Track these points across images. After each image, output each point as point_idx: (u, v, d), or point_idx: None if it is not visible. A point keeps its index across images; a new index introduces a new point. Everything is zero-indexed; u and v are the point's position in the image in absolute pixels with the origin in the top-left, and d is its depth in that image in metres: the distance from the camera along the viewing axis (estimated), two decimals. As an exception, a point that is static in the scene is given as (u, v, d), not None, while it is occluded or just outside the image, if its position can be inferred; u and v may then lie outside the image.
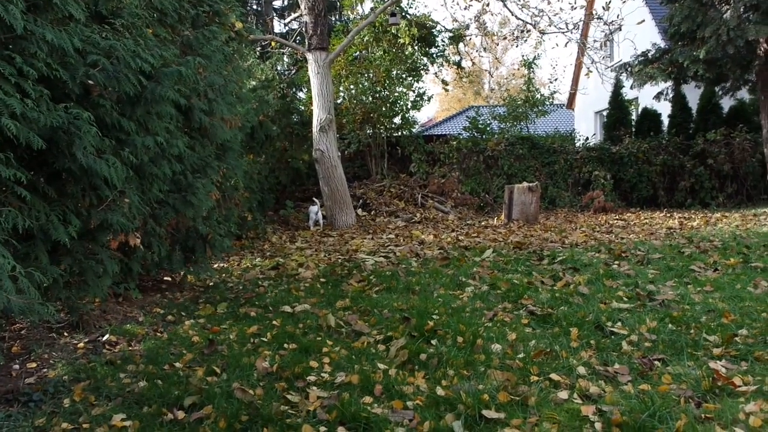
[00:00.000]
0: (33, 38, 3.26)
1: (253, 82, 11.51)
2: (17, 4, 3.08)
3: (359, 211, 11.62)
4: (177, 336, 4.14)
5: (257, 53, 13.24)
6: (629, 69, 12.89)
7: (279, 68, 14.82)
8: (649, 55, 12.57)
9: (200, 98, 5.64)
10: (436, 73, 15.14)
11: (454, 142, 13.91)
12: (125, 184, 4.13)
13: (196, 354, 3.71)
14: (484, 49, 14.45)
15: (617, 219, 11.22)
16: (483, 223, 10.87)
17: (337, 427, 2.63)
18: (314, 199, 10.88)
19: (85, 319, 4.53)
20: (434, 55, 14.69)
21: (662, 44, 13.45)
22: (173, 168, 4.84)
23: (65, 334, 4.25)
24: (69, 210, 3.72)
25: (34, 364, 3.57)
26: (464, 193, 12.99)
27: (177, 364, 3.50)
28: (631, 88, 13.72)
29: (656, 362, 3.36)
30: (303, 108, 13.45)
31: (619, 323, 4.10)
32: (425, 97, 14.46)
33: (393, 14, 12.55)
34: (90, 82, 3.80)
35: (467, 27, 14.64)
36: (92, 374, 3.38)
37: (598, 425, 2.59)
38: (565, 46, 11.89)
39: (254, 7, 20.69)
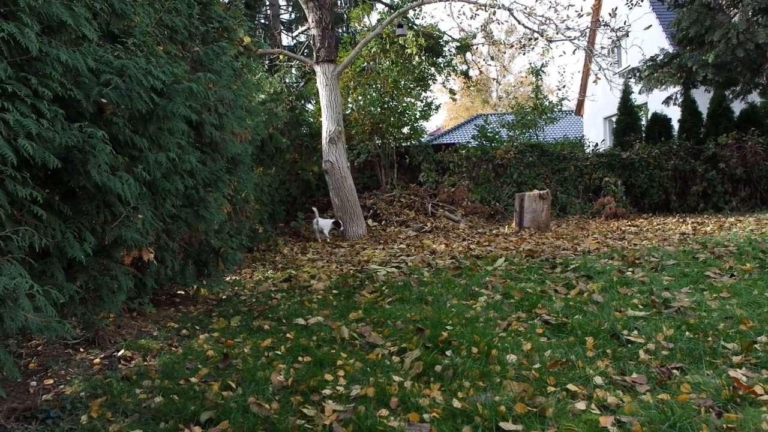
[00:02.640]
0: (48, 59, 3.31)
1: (262, 96, 11.59)
2: (32, 27, 3.14)
3: (370, 221, 11.63)
4: (192, 350, 4.16)
5: (266, 67, 13.36)
6: (638, 74, 12.86)
7: (287, 81, 14.94)
8: (658, 60, 12.54)
9: (211, 113, 5.70)
10: (443, 82, 15.18)
11: (463, 151, 13.91)
12: (138, 200, 4.17)
13: (211, 368, 3.71)
14: (492, 57, 14.45)
15: (629, 225, 11.14)
16: (494, 232, 10.84)
17: (353, 442, 2.62)
18: (313, 209, 10.92)
19: (101, 335, 4.56)
20: (441, 65, 14.73)
21: (670, 49, 13.42)
22: (185, 183, 4.88)
23: (81, 350, 4.28)
24: (84, 227, 3.76)
25: (51, 381, 3.59)
26: (474, 201, 12.97)
27: (192, 379, 3.50)
28: (640, 93, 13.68)
29: (674, 371, 3.32)
30: (312, 120, 13.52)
31: (636, 331, 4.06)
32: (433, 107, 14.49)
33: (400, 25, 12.61)
34: (103, 100, 3.85)
35: (474, 36, 14.69)
36: (109, 390, 3.39)
37: (617, 436, 2.56)
38: (573, 53, 11.87)
39: (262, 21, 20.89)
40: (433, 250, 8.51)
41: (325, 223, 10.64)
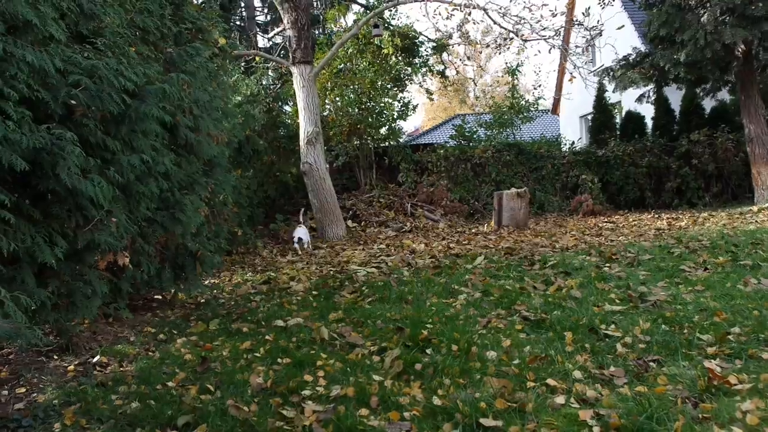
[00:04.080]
0: (13, 60, 3.23)
1: (239, 98, 11.50)
2: (-4, 26, 3.06)
3: (349, 222, 11.60)
4: (169, 355, 4.09)
5: (242, 69, 13.25)
6: (611, 73, 13.05)
7: (264, 83, 14.83)
8: (631, 59, 12.73)
9: (185, 115, 5.61)
10: (420, 83, 15.23)
11: (442, 151, 13.96)
12: (112, 203, 4.09)
13: (188, 372, 3.66)
14: (468, 57, 14.56)
15: (606, 222, 11.29)
16: (473, 230, 10.89)
17: (333, 442, 2.60)
18: (301, 216, 10.19)
19: (75, 342, 4.46)
20: (418, 65, 14.77)
21: (643, 48, 13.63)
22: (160, 186, 4.80)
23: (55, 357, 4.18)
24: (55, 231, 3.67)
25: (23, 389, 3.50)
26: (453, 200, 13.02)
27: (170, 384, 3.45)
28: (614, 92, 13.88)
29: (651, 363, 3.36)
30: (289, 122, 13.45)
31: (613, 326, 4.10)
32: (410, 107, 14.52)
33: (376, 26, 12.63)
34: (73, 102, 3.77)
35: (450, 36, 14.76)
36: (83, 397, 3.32)
37: (596, 429, 2.58)
38: (549, 52, 12.04)
39: (237, 23, 20.72)
40: (412, 250, 8.52)
41: (304, 232, 9.65)
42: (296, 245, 9.30)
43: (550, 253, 7.44)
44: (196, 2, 7.47)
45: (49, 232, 3.61)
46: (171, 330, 4.84)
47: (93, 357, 4.15)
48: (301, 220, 10.02)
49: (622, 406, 2.80)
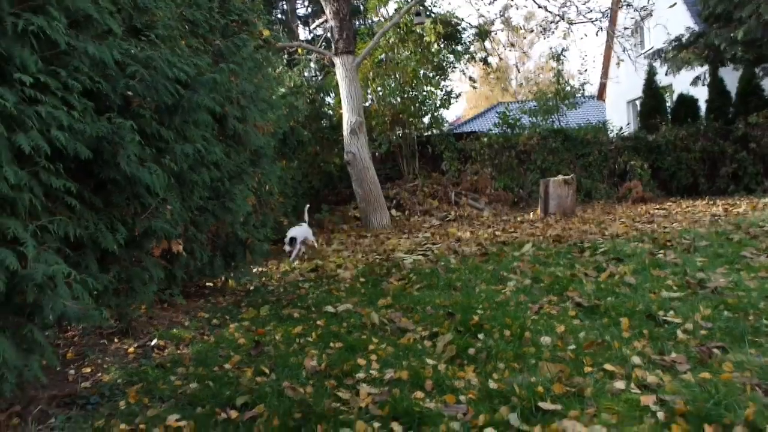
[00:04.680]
0: (75, 53, 3.33)
1: (283, 89, 11.63)
2: (60, 20, 3.16)
3: (393, 211, 11.60)
4: (223, 339, 4.19)
5: (285, 61, 13.38)
6: (663, 55, 12.57)
7: (306, 74, 14.95)
8: (684, 39, 12.23)
9: (233, 105, 5.71)
10: (463, 70, 15.05)
11: (485, 139, 13.77)
12: (167, 191, 4.20)
13: (243, 355, 3.73)
14: (512, 44, 14.28)
15: (657, 209, 10.92)
16: (519, 219, 10.73)
17: (390, 423, 2.60)
18: (305, 214, 8.59)
19: (134, 326, 4.62)
20: (460, 53, 14.59)
21: (696, 27, 13.07)
22: (212, 175, 4.90)
23: (115, 340, 4.34)
24: (115, 218, 3.80)
25: (88, 369, 3.65)
26: (498, 189, 12.85)
27: (226, 366, 3.53)
28: (666, 74, 13.37)
29: (715, 350, 3.23)
30: (331, 112, 13.53)
31: (672, 312, 3.97)
32: (453, 95, 14.37)
33: (418, 13, 12.53)
34: (129, 93, 3.87)
35: (492, 23, 14.53)
36: (144, 377, 3.44)
37: (660, 414, 2.51)
38: (596, 35, 11.67)
39: (279, 16, 20.92)
40: (458, 238, 8.46)
41: (302, 231, 7.99)
42: (287, 247, 7.51)
43: (600, 240, 7.25)
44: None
45: (110, 220, 3.73)
46: (223, 315, 4.95)
47: (151, 340, 4.29)
48: (305, 218, 8.48)
49: (687, 392, 2.70)
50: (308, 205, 8.89)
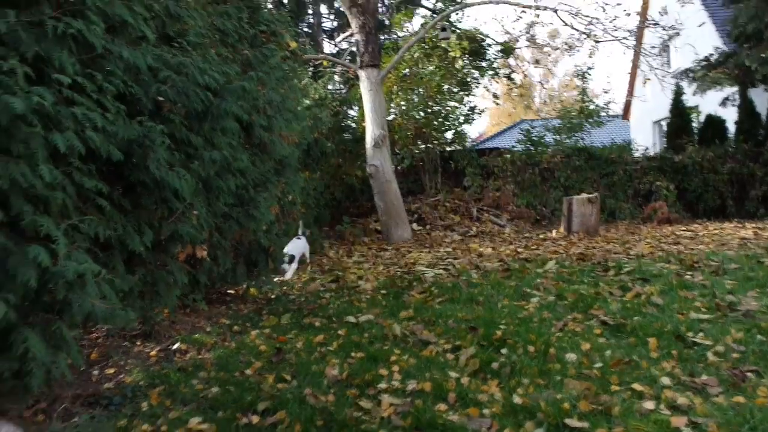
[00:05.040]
0: (111, 57, 3.40)
1: (307, 101, 11.74)
2: (98, 25, 3.23)
3: (414, 225, 11.57)
4: (244, 345, 4.19)
5: (310, 73, 13.53)
6: (691, 75, 12.42)
7: (330, 87, 15.08)
8: (712, 59, 12.07)
9: (260, 114, 5.76)
10: (486, 87, 15.05)
11: (508, 155, 13.70)
12: (193, 197, 4.24)
13: (264, 362, 3.73)
14: (537, 61, 14.25)
15: (683, 230, 10.73)
16: (541, 236, 10.61)
17: (412, 434, 2.56)
18: (300, 228, 7.83)
19: (157, 329, 4.65)
20: (485, 69, 14.59)
21: (725, 48, 12.90)
22: (237, 182, 4.94)
23: (138, 343, 4.37)
24: (142, 222, 3.84)
25: (111, 370, 3.67)
26: (520, 206, 12.74)
27: (247, 371, 3.53)
28: (694, 94, 13.19)
29: (748, 374, 3.14)
30: (355, 125, 13.60)
31: (701, 334, 3.87)
32: (477, 111, 14.35)
33: (443, 29, 12.59)
34: (161, 98, 3.94)
35: (517, 40, 14.53)
36: (166, 380, 3.45)
37: (692, 436, 2.43)
38: (623, 53, 11.57)
39: (305, 29, 21.20)
40: (480, 253, 8.39)
41: (299, 247, 7.44)
42: (284, 265, 6.68)
43: (625, 259, 7.14)
44: (269, 7, 7.68)
45: (138, 222, 3.77)
46: (244, 323, 4.96)
47: (173, 344, 4.31)
48: (299, 232, 7.71)
49: (719, 415, 2.62)
50: (301, 220, 8.02)
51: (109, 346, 4.18)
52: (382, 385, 3.16)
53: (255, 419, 2.81)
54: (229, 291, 6.25)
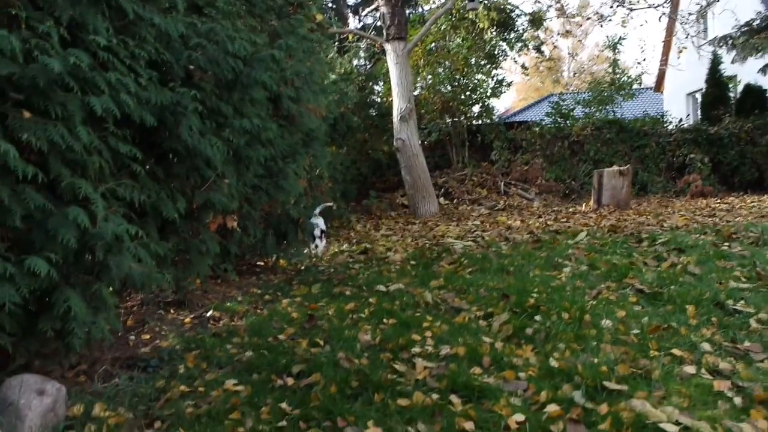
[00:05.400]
0: (142, 24, 3.39)
1: (333, 76, 11.67)
2: (129, -9, 3.22)
3: (441, 199, 11.50)
4: (276, 312, 4.23)
5: (335, 48, 13.42)
6: (730, 41, 11.94)
7: (356, 62, 14.95)
8: (754, 24, 11.57)
9: (288, 86, 5.74)
10: (515, 59, 14.75)
11: (537, 129, 13.46)
12: (224, 166, 4.26)
13: (297, 328, 3.75)
14: (567, 32, 13.89)
15: (719, 203, 10.45)
16: (570, 210, 10.45)
17: (448, 395, 2.55)
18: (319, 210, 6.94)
19: (189, 298, 4.72)
20: (513, 40, 14.28)
21: (767, 12, 12.36)
22: (266, 153, 4.94)
23: (172, 311, 4.44)
24: (176, 190, 3.88)
25: (147, 336, 3.74)
26: (548, 180, 12.55)
27: (280, 337, 3.56)
28: (732, 62, 12.70)
29: (793, 340, 3.04)
30: (380, 100, 13.49)
31: (742, 301, 3.76)
32: (504, 84, 14.09)
33: None
34: (191, 66, 3.94)
35: (547, 10, 14.17)
36: (201, 344, 3.50)
37: (737, 400, 2.37)
38: (659, 20, 11.17)
39: (330, 4, 20.99)
40: (508, 226, 8.30)
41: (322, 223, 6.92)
42: (318, 242, 6.53)
43: (659, 231, 6.97)
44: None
45: (171, 191, 3.80)
46: (275, 292, 5.00)
47: (207, 312, 4.37)
48: (316, 212, 6.85)
49: (765, 379, 2.55)
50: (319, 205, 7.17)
51: (144, 314, 4.26)
52: (416, 350, 3.16)
53: (290, 381, 2.83)
54: (258, 263, 6.31)
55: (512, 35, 14.11)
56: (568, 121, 13.94)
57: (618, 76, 14.84)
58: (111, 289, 2.95)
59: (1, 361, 2.62)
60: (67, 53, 2.42)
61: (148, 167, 3.64)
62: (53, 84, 2.40)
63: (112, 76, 2.91)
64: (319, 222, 6.82)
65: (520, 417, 2.31)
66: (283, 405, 2.56)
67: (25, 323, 2.51)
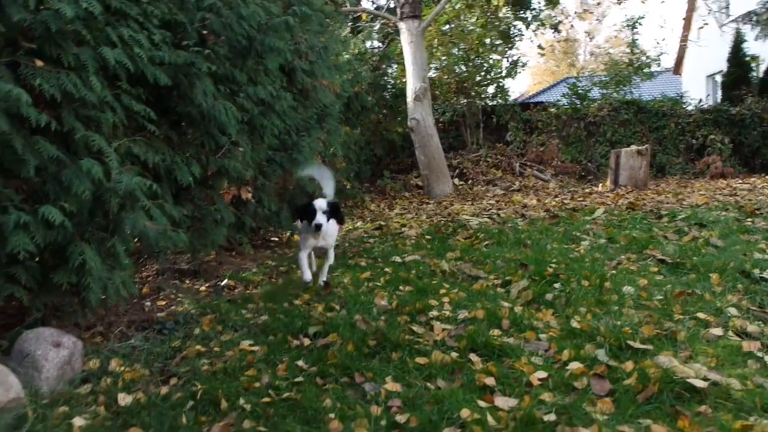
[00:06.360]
0: (155, -18, 3.34)
1: (347, 55, 11.55)
2: (141, -53, 3.16)
3: (456, 180, 11.39)
4: (291, 282, 4.20)
5: (349, 27, 13.28)
6: (754, 18, 11.63)
7: (369, 44, 14.80)
8: (779, 0, 11.26)
9: (302, 59, 5.66)
10: (531, 38, 14.51)
11: (553, 109, 13.26)
12: (238, 135, 4.22)
13: (312, 295, 3.72)
14: (584, 10, 13.62)
15: (740, 183, 10.23)
16: (587, 190, 10.30)
17: (468, 354, 2.50)
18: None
19: (204, 268, 4.71)
20: (528, 19, 14.03)
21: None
22: (279, 126, 4.88)
23: (187, 281, 4.43)
24: (191, 156, 3.84)
25: (163, 302, 3.73)
26: (564, 161, 12.37)
27: (296, 302, 3.52)
28: (756, 39, 12.38)
29: (823, 305, 2.95)
30: (394, 81, 13.35)
31: (768, 270, 3.66)
32: (519, 64, 13.88)
33: (487, -23, 12.12)
34: (205, 31, 3.89)
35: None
36: (216, 309, 3.48)
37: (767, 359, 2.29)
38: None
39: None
40: (524, 205, 8.20)
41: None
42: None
43: (679, 208, 6.84)
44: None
45: (185, 156, 3.77)
46: (290, 264, 4.97)
47: (221, 281, 4.35)
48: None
49: (795, 340, 2.47)
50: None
51: (159, 282, 4.25)
52: (433, 313, 3.11)
53: (306, 341, 2.80)
54: (273, 238, 6.28)
55: (528, 15, 13.85)
56: (584, 102, 13.71)
57: (636, 56, 14.54)
58: (125, 248, 2.92)
59: (18, 315, 2.61)
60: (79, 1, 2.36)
61: (162, 131, 3.60)
62: (66, 33, 2.36)
63: (125, 32, 2.87)
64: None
65: (542, 374, 2.25)
66: (300, 363, 2.53)
67: (41, 278, 2.50)
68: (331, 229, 3.93)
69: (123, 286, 2.98)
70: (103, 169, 2.44)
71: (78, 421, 2.11)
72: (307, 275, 3.72)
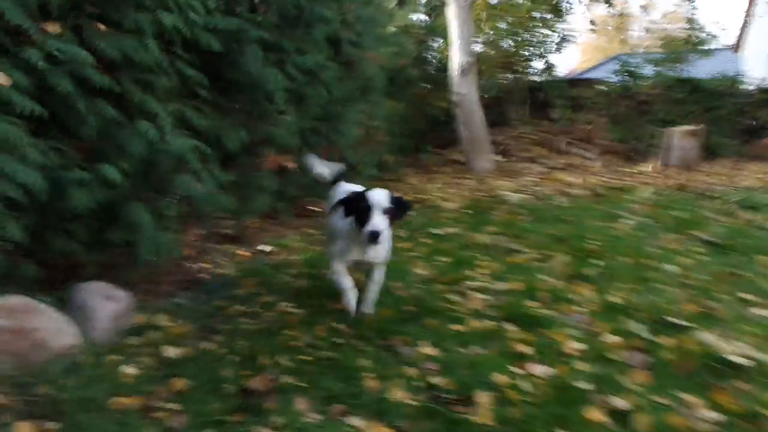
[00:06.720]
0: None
1: (393, 29, 11.46)
2: None
3: (498, 157, 11.25)
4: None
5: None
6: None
7: (415, 16, 14.62)
8: None
9: (349, 30, 5.66)
10: (583, 12, 14.03)
11: (602, 87, 12.86)
12: (285, 103, 4.29)
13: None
14: (640, -17, 13.03)
15: (800, 168, 9.76)
16: (635, 170, 10.02)
17: (503, 324, 2.53)
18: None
19: (246, 234, 4.85)
20: (581, -7, 13.56)
21: None
22: (324, 97, 4.93)
23: (229, 245, 4.56)
24: (238, 122, 3.94)
25: (206, 265, 3.86)
26: (612, 140, 12.04)
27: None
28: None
29: None
30: (439, 55, 13.19)
31: (822, 255, 3.53)
32: (569, 39, 13.45)
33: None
34: (256, 1, 3.96)
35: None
36: (258, 273, 3.59)
37: (815, 340, 2.24)
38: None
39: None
40: (567, 183, 8.05)
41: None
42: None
43: (732, 190, 6.60)
44: None
45: (233, 122, 3.86)
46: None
47: (263, 246, 4.47)
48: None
49: None
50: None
51: (203, 245, 4.40)
52: (471, 284, 3.13)
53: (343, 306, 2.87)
54: (314, 208, 6.38)
55: (580, -13, 13.39)
56: (636, 81, 13.23)
57: (695, 32, 13.89)
58: (175, 209, 3.04)
59: (71, 270, 2.76)
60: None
61: (211, 97, 3.70)
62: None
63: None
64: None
65: (579, 345, 2.26)
66: (338, 325, 2.61)
67: (96, 234, 2.63)
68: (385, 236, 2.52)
69: (170, 246, 3.13)
70: (158, 132, 2.55)
71: (128, 369, 2.25)
72: (352, 304, 2.67)
